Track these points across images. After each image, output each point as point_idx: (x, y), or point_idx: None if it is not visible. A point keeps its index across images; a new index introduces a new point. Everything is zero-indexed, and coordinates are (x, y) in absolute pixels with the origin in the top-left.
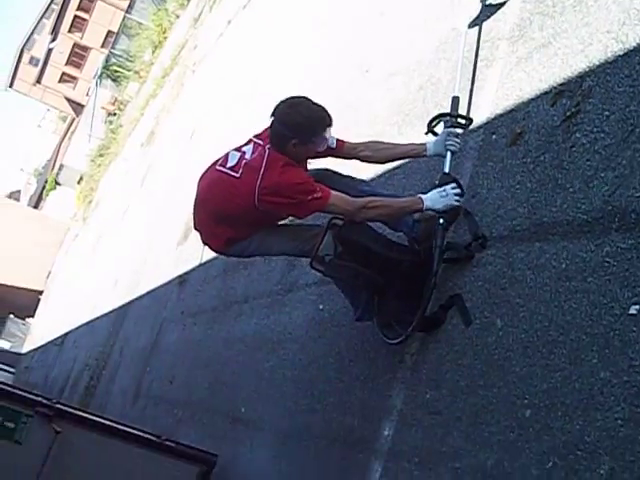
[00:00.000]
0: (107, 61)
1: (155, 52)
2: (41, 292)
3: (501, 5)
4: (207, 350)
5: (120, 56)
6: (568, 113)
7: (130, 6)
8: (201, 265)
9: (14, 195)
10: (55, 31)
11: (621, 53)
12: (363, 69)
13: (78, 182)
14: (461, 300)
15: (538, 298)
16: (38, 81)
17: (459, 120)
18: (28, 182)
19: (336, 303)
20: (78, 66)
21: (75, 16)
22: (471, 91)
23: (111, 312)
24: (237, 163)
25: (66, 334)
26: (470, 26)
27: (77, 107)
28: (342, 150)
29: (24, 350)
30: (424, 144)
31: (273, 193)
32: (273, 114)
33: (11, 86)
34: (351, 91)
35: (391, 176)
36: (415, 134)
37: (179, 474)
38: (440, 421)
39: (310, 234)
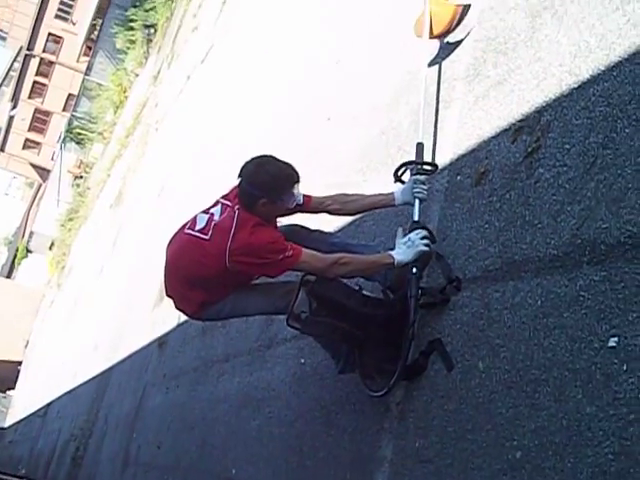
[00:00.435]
0: (70, 124)
1: (117, 112)
2: (20, 363)
3: (458, 44)
4: (192, 412)
5: (82, 118)
6: (529, 149)
7: (89, 68)
8: (179, 326)
9: None
10: (15, 98)
11: (575, 86)
12: (325, 116)
13: (50, 248)
14: (441, 345)
15: (517, 337)
16: (1, 149)
17: (424, 167)
18: None
19: (317, 356)
20: (41, 131)
21: (34, 82)
22: (435, 134)
23: (93, 379)
24: (206, 225)
25: (49, 404)
26: (430, 65)
27: (43, 172)
28: (310, 205)
29: (7, 424)
30: (392, 193)
31: (244, 254)
32: (240, 174)
33: None
34: (316, 139)
35: (361, 223)
36: (380, 180)
37: None
38: (432, 469)
39: (284, 290)
